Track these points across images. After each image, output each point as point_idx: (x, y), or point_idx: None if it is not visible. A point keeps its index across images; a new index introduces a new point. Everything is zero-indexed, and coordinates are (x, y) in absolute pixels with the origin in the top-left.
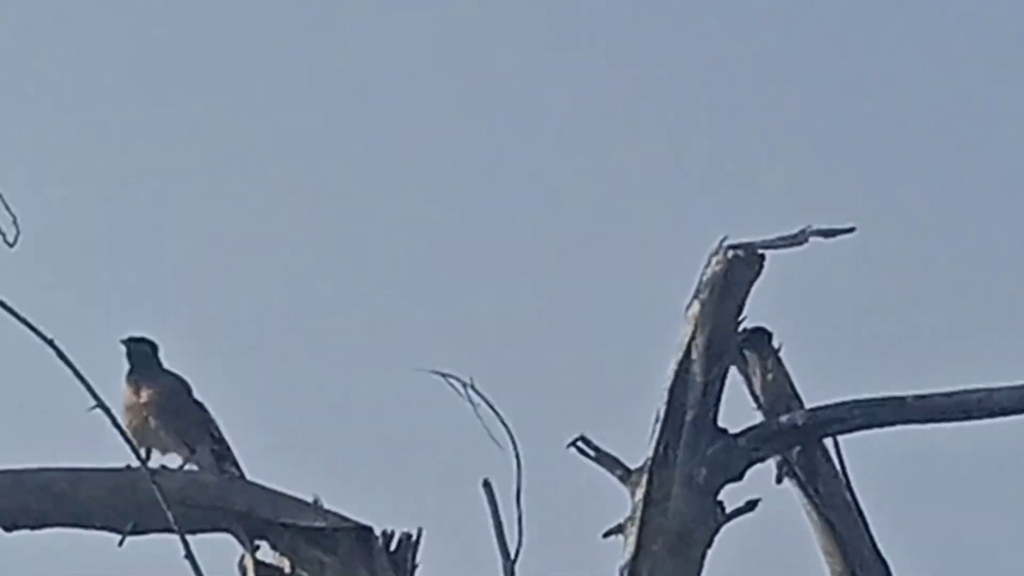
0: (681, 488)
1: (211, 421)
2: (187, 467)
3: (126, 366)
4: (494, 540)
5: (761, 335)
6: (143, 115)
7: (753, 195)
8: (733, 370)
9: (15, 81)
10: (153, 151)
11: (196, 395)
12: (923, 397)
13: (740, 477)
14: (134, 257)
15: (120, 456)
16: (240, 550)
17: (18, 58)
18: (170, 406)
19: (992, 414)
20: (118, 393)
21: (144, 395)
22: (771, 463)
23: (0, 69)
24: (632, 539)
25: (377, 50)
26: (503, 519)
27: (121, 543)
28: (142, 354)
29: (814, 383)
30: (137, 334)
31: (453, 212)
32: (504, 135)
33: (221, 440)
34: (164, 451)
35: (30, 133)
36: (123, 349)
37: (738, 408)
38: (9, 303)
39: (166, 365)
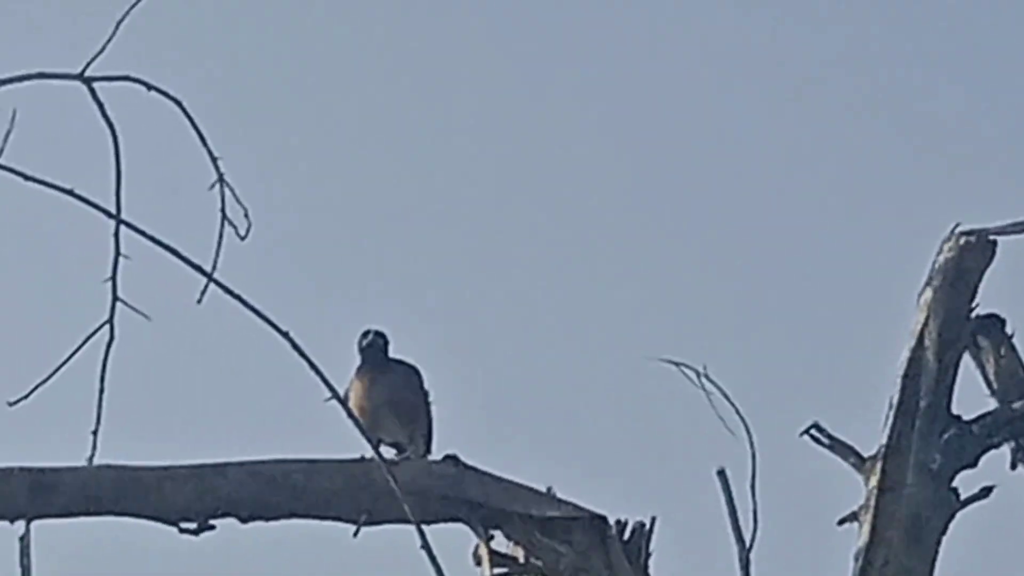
0: (915, 475)
1: (430, 411)
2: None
3: (358, 358)
4: (729, 528)
5: (994, 321)
6: (371, 107)
7: (985, 181)
8: (966, 357)
9: (241, 78)
10: (383, 144)
11: (425, 384)
12: None
13: (974, 464)
14: (365, 248)
15: (354, 447)
16: (474, 540)
17: (245, 59)
18: (405, 397)
19: None
20: (349, 383)
21: (379, 386)
22: (1006, 449)
23: (228, 67)
24: (867, 526)
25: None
26: (737, 507)
27: (356, 534)
28: (375, 347)
29: None
30: (371, 327)
31: (687, 203)
32: (734, 126)
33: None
34: (390, 439)
35: (258, 127)
36: (357, 342)
37: (972, 395)
38: (243, 296)
39: (396, 356)
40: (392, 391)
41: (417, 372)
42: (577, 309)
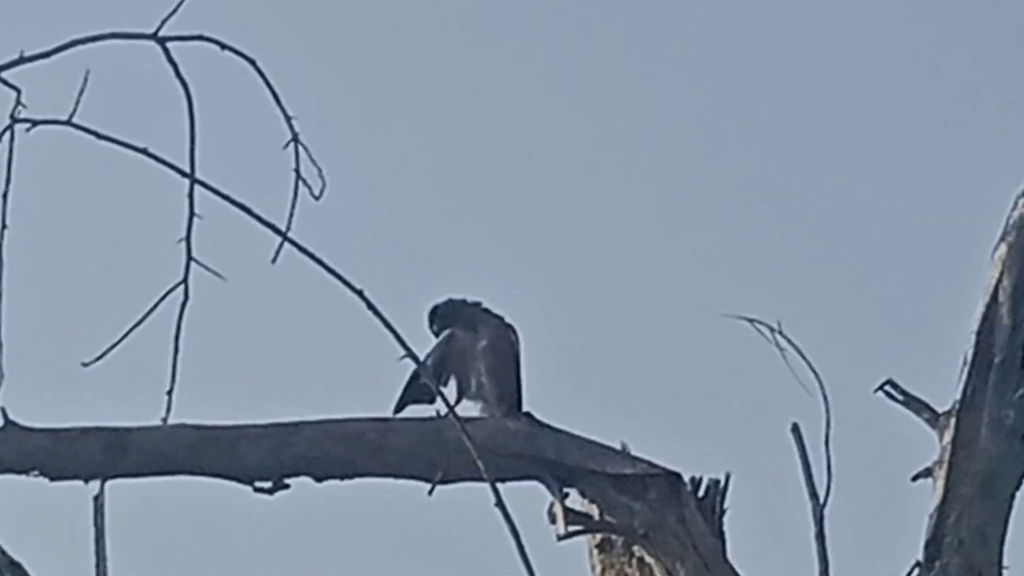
0: (989, 431)
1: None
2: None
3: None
4: (803, 484)
5: None
6: (445, 66)
7: None
8: None
9: (315, 37)
10: (454, 104)
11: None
12: None
13: None
14: (438, 208)
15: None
16: (549, 497)
17: (319, 17)
18: (500, 357)
19: None
20: (425, 343)
21: (477, 345)
22: None
23: (301, 26)
24: (940, 482)
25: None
26: (812, 463)
27: (431, 492)
28: (466, 310)
29: None
30: (460, 296)
31: (762, 159)
32: (811, 81)
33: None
34: (476, 401)
35: (332, 86)
36: (448, 308)
37: None
38: (317, 255)
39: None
40: (491, 348)
41: (514, 331)
42: (651, 266)
